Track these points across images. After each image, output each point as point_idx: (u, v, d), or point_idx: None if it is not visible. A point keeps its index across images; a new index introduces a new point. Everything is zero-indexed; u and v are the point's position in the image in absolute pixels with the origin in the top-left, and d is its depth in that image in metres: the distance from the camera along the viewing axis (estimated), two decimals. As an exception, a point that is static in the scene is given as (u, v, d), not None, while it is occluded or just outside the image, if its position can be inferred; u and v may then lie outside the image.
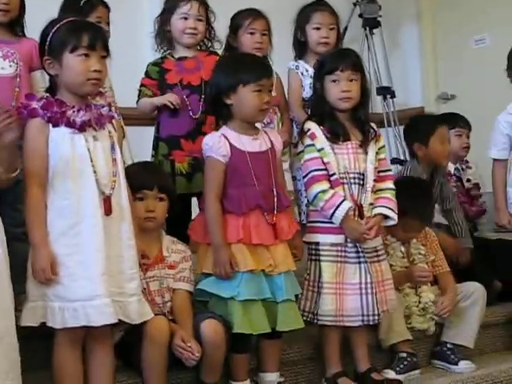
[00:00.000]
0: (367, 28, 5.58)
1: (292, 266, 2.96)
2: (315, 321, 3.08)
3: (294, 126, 3.81)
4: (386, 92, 5.51)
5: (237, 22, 3.78)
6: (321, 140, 3.11)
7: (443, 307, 3.45)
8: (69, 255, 2.51)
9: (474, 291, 3.55)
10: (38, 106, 2.57)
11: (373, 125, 3.23)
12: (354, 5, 5.60)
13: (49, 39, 2.61)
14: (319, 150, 3.09)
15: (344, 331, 3.16)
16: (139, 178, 2.89)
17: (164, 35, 3.57)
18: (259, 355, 3.02)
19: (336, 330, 3.12)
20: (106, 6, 3.63)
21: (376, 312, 3.06)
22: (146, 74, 3.54)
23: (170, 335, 2.75)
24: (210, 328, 2.80)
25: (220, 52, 3.72)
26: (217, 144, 2.91)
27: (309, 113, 3.53)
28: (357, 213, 3.08)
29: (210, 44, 3.62)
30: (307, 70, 3.79)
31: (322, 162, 3.09)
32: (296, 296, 3.01)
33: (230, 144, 2.91)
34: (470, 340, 3.51)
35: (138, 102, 3.52)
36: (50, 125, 2.57)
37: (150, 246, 2.94)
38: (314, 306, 3.07)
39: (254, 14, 3.76)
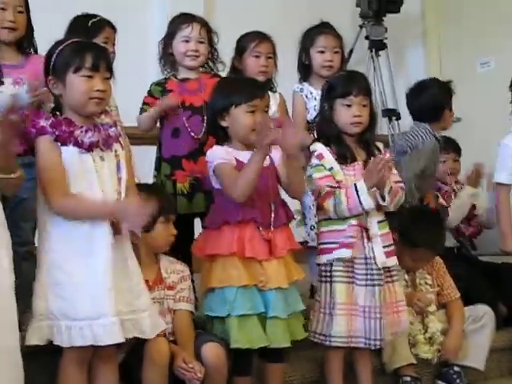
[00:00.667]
0: (373, 50, 5.58)
1: (284, 283, 2.92)
2: (327, 343, 3.07)
3: None
4: (392, 114, 5.51)
5: (242, 44, 3.78)
6: (329, 160, 3.12)
7: (448, 354, 3.43)
8: (77, 274, 2.52)
9: (483, 314, 3.53)
10: (46, 124, 2.58)
11: (378, 144, 3.25)
12: (360, 27, 5.62)
13: (53, 59, 2.63)
14: (329, 170, 3.10)
15: (348, 354, 3.14)
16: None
17: (167, 58, 3.58)
18: (262, 379, 3.00)
19: (341, 353, 3.11)
20: (113, 27, 3.64)
21: (379, 337, 3.04)
22: (149, 92, 3.54)
23: (171, 356, 2.74)
24: (211, 352, 2.80)
25: (224, 74, 3.73)
26: (223, 152, 2.94)
27: (313, 135, 3.54)
28: (364, 234, 3.08)
29: (213, 66, 3.62)
30: (311, 93, 3.80)
31: (334, 180, 3.10)
32: (302, 311, 3.01)
33: (235, 158, 2.93)
34: (480, 362, 3.49)
35: (137, 117, 3.52)
36: (59, 143, 2.58)
37: (149, 269, 2.93)
38: (326, 328, 3.06)
39: (260, 36, 3.76)
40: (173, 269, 3.01)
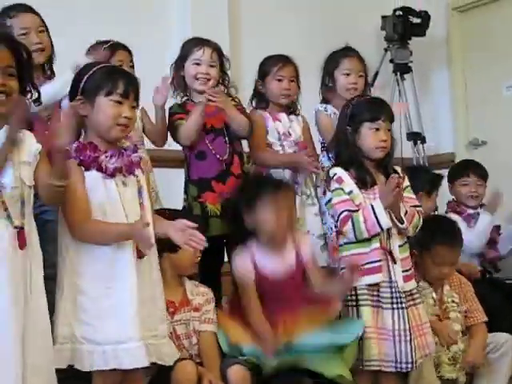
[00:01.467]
0: (398, 73, 5.58)
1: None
2: (360, 367, 3.06)
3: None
4: (417, 137, 5.50)
5: (265, 68, 3.79)
6: (348, 184, 3.14)
7: (467, 362, 3.40)
8: (101, 298, 2.53)
9: (504, 342, 3.50)
10: (70, 147, 2.60)
11: (396, 168, 3.25)
12: (385, 50, 5.62)
13: (84, 80, 2.65)
14: (348, 193, 3.10)
15: (375, 378, 3.12)
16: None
17: (179, 81, 3.59)
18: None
19: (370, 376, 3.09)
20: (128, 50, 3.66)
21: (410, 360, 3.03)
22: (174, 112, 3.53)
23: (198, 379, 2.75)
24: (237, 374, 2.81)
25: (249, 97, 3.74)
26: (245, 268, 3.03)
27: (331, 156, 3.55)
28: (389, 257, 3.07)
29: (225, 90, 3.62)
30: (335, 113, 3.79)
31: (353, 204, 3.10)
32: None
33: (256, 268, 3.02)
34: None
35: (177, 134, 3.48)
36: (83, 168, 2.61)
37: (174, 291, 2.97)
38: (357, 353, 3.05)
39: (283, 60, 3.77)
40: (197, 291, 3.03)
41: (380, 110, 3.20)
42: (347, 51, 3.91)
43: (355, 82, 3.81)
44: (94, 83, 2.64)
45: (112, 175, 2.62)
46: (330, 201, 3.20)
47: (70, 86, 2.74)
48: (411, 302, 3.14)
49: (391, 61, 5.61)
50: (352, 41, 3.98)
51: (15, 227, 2.38)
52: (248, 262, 3.04)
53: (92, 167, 2.61)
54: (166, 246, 2.86)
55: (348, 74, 3.83)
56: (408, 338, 3.04)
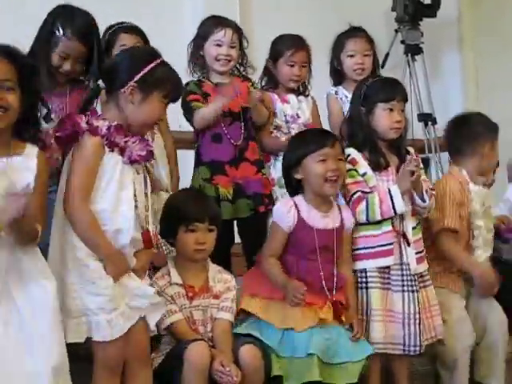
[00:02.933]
0: (409, 54, 5.55)
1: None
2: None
3: None
4: (428, 118, 5.48)
5: (278, 49, 3.76)
6: (362, 165, 3.12)
7: None
8: (101, 268, 2.56)
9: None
10: (103, 126, 2.59)
11: (410, 149, 3.24)
12: (396, 31, 5.59)
13: (145, 71, 2.64)
14: (362, 175, 3.10)
15: (386, 360, 3.13)
16: (191, 210, 2.92)
17: (197, 60, 3.58)
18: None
19: (378, 359, 3.10)
20: (127, 32, 3.55)
21: (418, 343, 3.04)
22: (190, 91, 3.49)
23: (211, 360, 2.75)
24: (249, 353, 2.82)
25: (255, 75, 3.74)
26: (286, 214, 3.00)
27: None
28: (402, 239, 3.08)
29: (243, 69, 3.63)
30: (347, 96, 3.78)
31: (367, 185, 3.10)
32: None
33: (299, 216, 2.99)
34: None
35: (193, 116, 3.45)
36: (106, 148, 2.60)
37: (196, 276, 2.96)
38: (364, 334, 3.06)
39: (296, 44, 3.74)
40: (220, 278, 3.01)
41: (394, 91, 3.18)
42: (351, 32, 3.89)
43: (361, 63, 3.80)
44: (158, 79, 2.65)
45: (133, 162, 2.63)
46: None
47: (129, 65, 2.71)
48: (421, 285, 3.14)
49: (402, 42, 5.58)
50: (362, 22, 3.97)
51: None
52: (292, 209, 3.01)
53: (117, 150, 2.61)
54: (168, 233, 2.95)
55: (352, 56, 3.83)
56: (417, 322, 3.05)
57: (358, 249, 3.13)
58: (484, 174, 3.53)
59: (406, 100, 3.23)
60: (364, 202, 3.08)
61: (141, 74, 2.64)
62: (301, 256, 3.00)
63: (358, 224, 3.13)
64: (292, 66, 3.71)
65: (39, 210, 2.44)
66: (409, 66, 5.54)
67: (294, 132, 3.60)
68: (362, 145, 3.17)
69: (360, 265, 3.11)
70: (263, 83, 3.80)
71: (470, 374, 3.39)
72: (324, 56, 3.92)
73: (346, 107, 3.74)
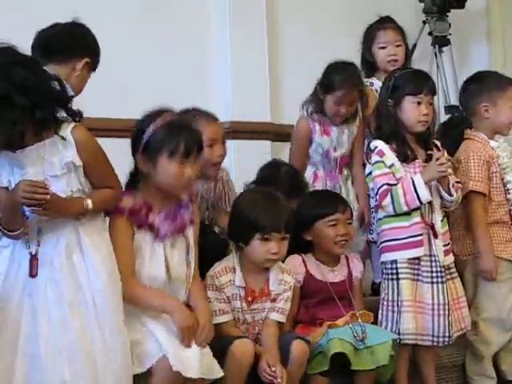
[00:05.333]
0: (436, 46, 5.51)
1: None
2: (398, 340, 3.07)
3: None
4: (455, 111, 5.42)
5: (329, 83, 3.71)
6: (390, 157, 3.12)
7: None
8: None
9: None
10: (126, 205, 2.62)
11: (437, 142, 3.23)
12: (424, 23, 5.55)
13: (146, 138, 2.65)
14: (389, 167, 3.09)
15: (413, 351, 3.14)
16: (268, 219, 2.88)
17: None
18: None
19: (407, 350, 3.12)
20: None
21: (447, 334, 3.05)
22: None
23: (256, 359, 2.79)
24: (299, 349, 2.85)
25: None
26: (294, 268, 3.08)
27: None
28: (430, 231, 3.07)
29: None
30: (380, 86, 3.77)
31: (394, 177, 3.09)
32: None
33: (307, 272, 3.08)
34: None
35: None
36: (135, 227, 2.64)
37: (258, 279, 2.97)
38: (394, 326, 3.06)
39: (348, 85, 3.68)
40: (281, 279, 2.99)
41: (422, 84, 3.18)
42: (381, 23, 3.90)
43: (394, 54, 3.80)
44: (156, 143, 2.64)
45: (163, 238, 2.65)
46: (370, 173, 3.19)
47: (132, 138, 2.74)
48: (449, 276, 3.15)
49: (430, 33, 5.53)
50: (390, 13, 3.96)
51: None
52: (300, 264, 3.11)
53: (144, 228, 2.64)
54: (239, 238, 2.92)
55: (384, 47, 3.81)
56: (446, 313, 3.06)
57: (388, 240, 3.15)
58: (501, 131, 3.51)
59: (434, 93, 3.21)
60: (389, 195, 3.07)
61: (142, 142, 2.65)
62: (319, 302, 3.10)
63: (387, 216, 3.15)
64: (339, 104, 3.66)
65: (101, 179, 2.54)
66: (436, 57, 5.50)
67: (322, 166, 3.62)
68: (389, 137, 3.17)
69: (390, 256, 3.13)
70: (307, 108, 3.74)
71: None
72: (357, 52, 3.90)
73: None
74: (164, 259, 2.66)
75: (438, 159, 3.09)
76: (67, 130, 2.48)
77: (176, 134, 2.65)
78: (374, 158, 3.17)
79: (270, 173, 3.42)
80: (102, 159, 2.57)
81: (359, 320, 3.04)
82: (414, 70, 3.42)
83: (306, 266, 3.12)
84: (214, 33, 4.60)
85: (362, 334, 2.96)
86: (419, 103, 3.15)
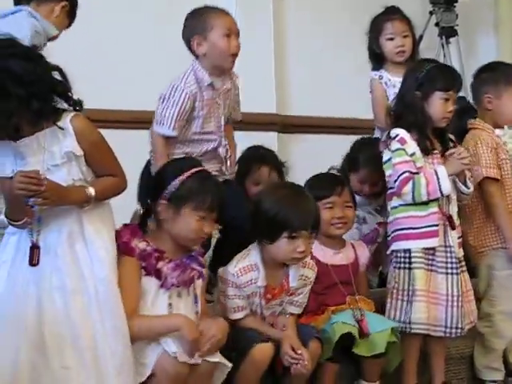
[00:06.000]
0: (443, 37, 5.50)
1: None
2: (407, 329, 3.07)
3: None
4: (461, 102, 5.41)
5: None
6: (411, 145, 3.14)
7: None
8: None
9: None
10: (137, 248, 2.59)
11: (451, 136, 3.24)
12: (431, 13, 5.53)
13: (172, 187, 2.62)
14: (411, 155, 3.09)
15: (424, 341, 3.14)
16: (297, 217, 2.82)
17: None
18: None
19: (418, 340, 3.13)
20: None
21: (460, 325, 3.06)
22: None
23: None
24: (315, 349, 2.83)
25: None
26: None
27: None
28: (447, 223, 3.06)
29: None
30: (390, 80, 3.77)
31: (414, 166, 3.11)
32: None
33: (312, 255, 3.00)
34: None
35: None
36: (143, 270, 2.61)
37: (279, 275, 2.90)
38: (404, 315, 3.07)
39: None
40: (301, 274, 2.94)
41: (453, 81, 3.21)
42: (388, 14, 3.85)
43: (402, 45, 3.77)
44: (184, 193, 2.61)
45: (169, 288, 2.62)
46: (388, 160, 3.19)
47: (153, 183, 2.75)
48: (461, 269, 3.15)
49: (436, 24, 5.52)
50: (396, 3, 3.93)
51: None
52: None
53: (152, 275, 2.61)
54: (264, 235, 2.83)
55: (392, 38, 3.79)
56: (460, 304, 3.07)
57: (403, 228, 3.15)
58: (502, 124, 3.56)
59: (459, 90, 3.23)
60: (410, 183, 3.08)
61: (167, 191, 2.63)
62: (326, 288, 3.08)
63: (403, 204, 3.16)
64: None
65: (103, 168, 2.54)
66: (443, 48, 5.49)
67: None
68: (410, 126, 3.17)
69: (404, 245, 3.13)
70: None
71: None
72: (361, 39, 3.88)
73: (390, 91, 3.75)
74: (167, 307, 2.63)
75: (460, 153, 3.12)
76: (66, 119, 2.47)
77: (205, 186, 2.64)
78: (395, 145, 3.17)
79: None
80: (104, 148, 2.55)
81: (358, 304, 3.04)
82: (445, 66, 3.46)
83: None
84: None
85: (361, 317, 2.96)
86: (447, 100, 3.16)
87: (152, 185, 2.73)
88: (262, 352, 2.71)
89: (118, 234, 2.60)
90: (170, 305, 2.62)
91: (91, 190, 2.49)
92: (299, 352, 2.73)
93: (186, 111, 3.08)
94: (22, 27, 2.90)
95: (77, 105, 2.50)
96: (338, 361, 2.97)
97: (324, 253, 3.10)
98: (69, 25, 3.19)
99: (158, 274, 2.60)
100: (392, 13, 3.86)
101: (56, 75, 2.48)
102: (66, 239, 2.48)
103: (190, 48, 3.16)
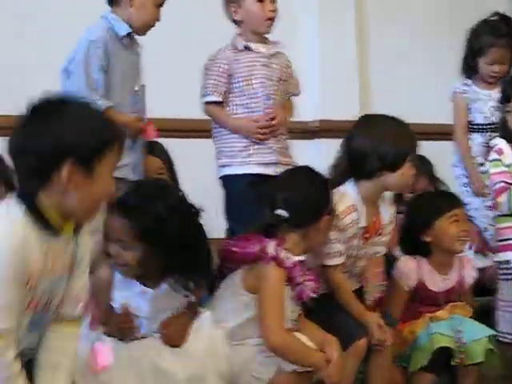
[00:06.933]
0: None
1: None
2: (497, 338, 3.02)
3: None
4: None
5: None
6: (508, 156, 3.11)
7: None
8: None
9: None
10: (288, 260, 2.57)
11: None
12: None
13: None
14: (507, 166, 3.07)
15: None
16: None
17: None
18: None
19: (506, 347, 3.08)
20: None
21: None
22: None
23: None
24: (364, 347, 2.74)
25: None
26: (406, 274, 3.03)
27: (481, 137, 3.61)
28: None
29: None
30: (476, 92, 3.74)
31: (511, 177, 3.09)
32: None
33: (419, 280, 3.01)
34: None
35: None
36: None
37: (370, 214, 2.86)
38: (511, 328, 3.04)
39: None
40: (391, 211, 2.98)
41: None
42: (495, 37, 3.72)
43: (498, 72, 3.71)
44: None
45: (300, 300, 2.63)
46: (487, 171, 3.20)
47: None
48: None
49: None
50: (483, 6, 3.86)
51: None
52: (414, 269, 3.04)
53: (290, 285, 2.60)
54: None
55: (492, 64, 3.72)
56: None
57: (502, 240, 3.12)
58: None
59: None
60: (506, 194, 3.05)
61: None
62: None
63: (502, 215, 3.14)
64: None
65: None
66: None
67: None
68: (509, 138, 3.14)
69: (504, 256, 3.12)
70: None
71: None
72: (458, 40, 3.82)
73: (474, 105, 3.74)
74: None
75: None
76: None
77: None
78: (492, 155, 3.16)
79: None
80: None
81: (458, 312, 2.98)
82: None
83: (419, 271, 3.05)
84: (302, 34, 4.63)
85: (459, 328, 2.88)
86: None
87: None
88: (363, 347, 2.71)
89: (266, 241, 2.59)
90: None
91: None
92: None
93: (222, 76, 3.11)
94: None
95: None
96: (434, 371, 2.91)
97: (433, 278, 3.05)
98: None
99: (294, 285, 2.60)
100: (500, 35, 3.74)
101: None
102: None
103: (229, 16, 3.21)
